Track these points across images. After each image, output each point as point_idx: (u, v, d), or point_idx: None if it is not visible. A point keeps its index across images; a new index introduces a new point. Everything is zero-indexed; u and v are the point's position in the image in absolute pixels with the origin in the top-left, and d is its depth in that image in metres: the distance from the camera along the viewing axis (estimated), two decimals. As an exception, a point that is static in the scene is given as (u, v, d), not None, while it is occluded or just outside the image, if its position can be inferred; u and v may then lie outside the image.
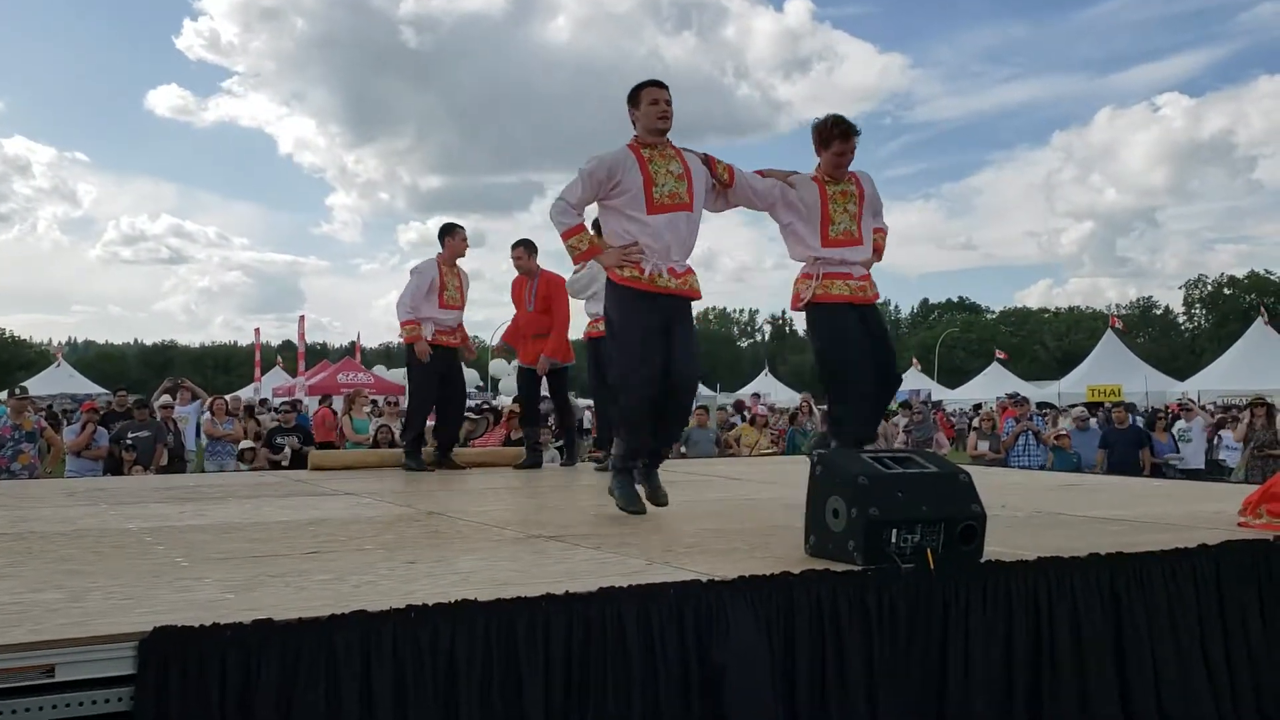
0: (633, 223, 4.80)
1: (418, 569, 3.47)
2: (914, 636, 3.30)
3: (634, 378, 4.77)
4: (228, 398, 14.44)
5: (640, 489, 4.92)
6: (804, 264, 5.44)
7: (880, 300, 5.67)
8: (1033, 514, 5.04)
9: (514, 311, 8.30)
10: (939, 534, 3.41)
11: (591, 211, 5.14)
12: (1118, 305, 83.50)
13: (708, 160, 5.07)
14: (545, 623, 2.84)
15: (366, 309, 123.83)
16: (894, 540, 3.35)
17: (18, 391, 11.02)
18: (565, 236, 4.90)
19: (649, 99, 4.90)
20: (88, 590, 3.02)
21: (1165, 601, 3.68)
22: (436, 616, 2.72)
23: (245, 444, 11.85)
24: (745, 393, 35.84)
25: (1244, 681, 3.77)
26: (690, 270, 4.97)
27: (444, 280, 7.80)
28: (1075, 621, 3.51)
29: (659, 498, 4.93)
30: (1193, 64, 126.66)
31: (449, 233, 7.95)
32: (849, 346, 5.33)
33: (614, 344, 5.03)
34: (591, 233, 4.98)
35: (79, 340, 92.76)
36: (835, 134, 5.30)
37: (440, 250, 7.94)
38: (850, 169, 5.42)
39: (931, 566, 3.33)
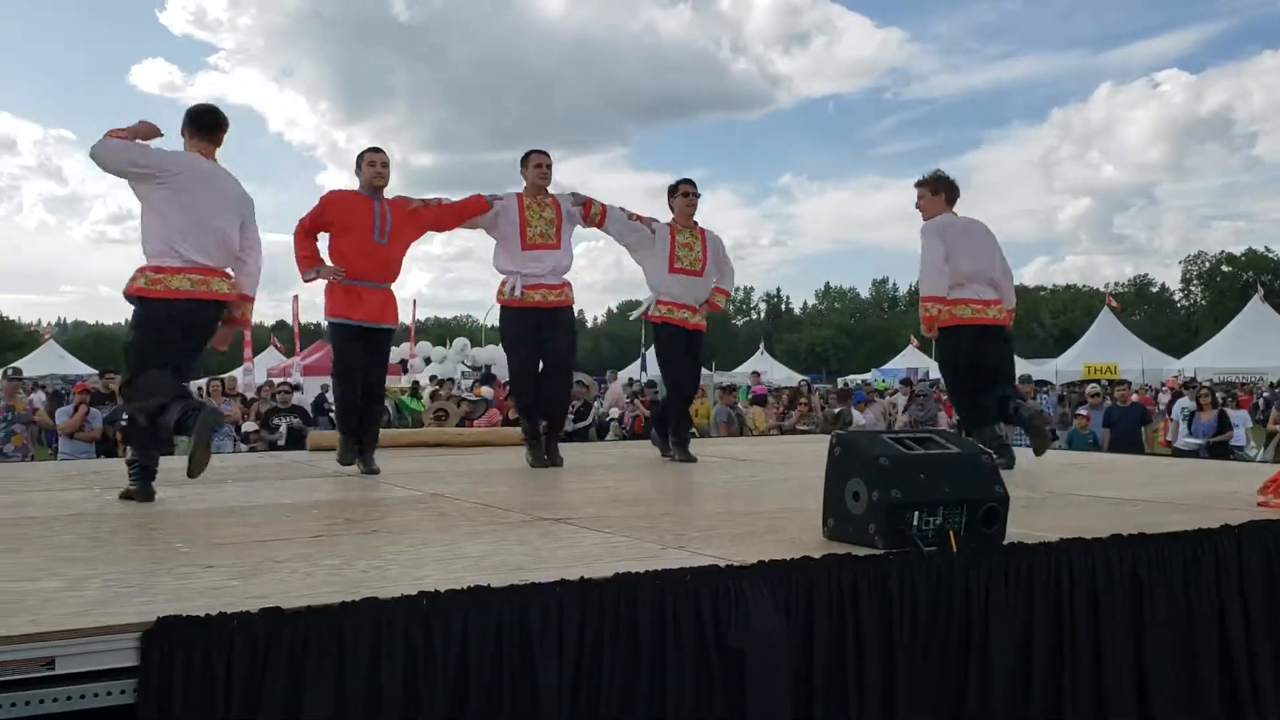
0: None
1: (426, 553, 3.38)
2: (935, 621, 3.23)
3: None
4: (224, 378, 14.34)
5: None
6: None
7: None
8: (1046, 495, 4.97)
9: None
10: (961, 516, 3.33)
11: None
12: (1118, 284, 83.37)
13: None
14: (559, 609, 2.76)
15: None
16: (916, 523, 3.27)
17: (9, 373, 10.86)
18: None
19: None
20: (87, 578, 2.93)
21: (1184, 583, 3.62)
22: (449, 603, 2.64)
23: (249, 426, 11.75)
24: (743, 371, 35.80)
25: (1266, 667, 3.71)
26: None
27: (525, 215, 6.41)
28: (1095, 604, 3.44)
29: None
30: (1193, 39, 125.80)
31: (523, 161, 6.60)
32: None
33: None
34: None
35: (68, 321, 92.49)
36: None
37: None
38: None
39: (954, 549, 3.25)
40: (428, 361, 28.39)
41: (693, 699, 2.90)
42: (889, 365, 41.34)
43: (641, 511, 4.36)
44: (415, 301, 36.91)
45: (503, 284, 6.47)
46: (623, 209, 6.81)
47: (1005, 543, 3.41)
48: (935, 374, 37.86)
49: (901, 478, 3.30)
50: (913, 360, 38.54)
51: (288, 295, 36.13)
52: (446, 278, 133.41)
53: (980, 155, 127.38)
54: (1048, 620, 3.38)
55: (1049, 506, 4.58)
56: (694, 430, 14.25)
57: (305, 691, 2.45)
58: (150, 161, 4.72)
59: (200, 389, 13.09)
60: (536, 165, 6.53)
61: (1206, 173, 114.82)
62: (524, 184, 6.56)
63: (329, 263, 5.89)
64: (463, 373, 24.99)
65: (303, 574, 3.00)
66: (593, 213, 6.67)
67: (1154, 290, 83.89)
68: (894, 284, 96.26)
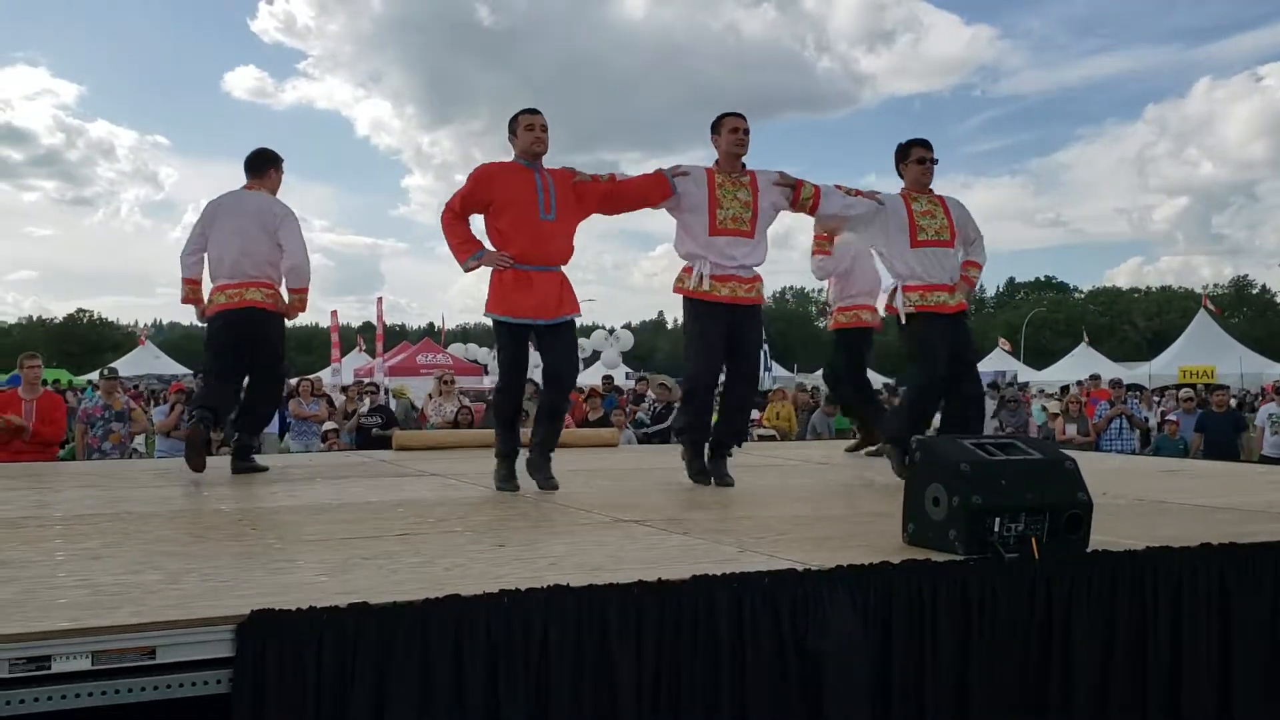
0: None
1: (507, 552, 3.45)
2: (1015, 629, 3.20)
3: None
4: (312, 378, 14.67)
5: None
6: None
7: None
8: (1135, 501, 4.87)
9: None
10: (1044, 523, 3.29)
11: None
12: (1218, 285, 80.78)
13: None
14: (637, 610, 2.80)
15: (444, 291, 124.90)
16: (997, 529, 3.24)
17: (106, 372, 11.24)
18: None
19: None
20: (185, 572, 3.05)
21: (1274, 594, 3.53)
22: (529, 602, 2.69)
23: (328, 425, 12.01)
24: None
25: None
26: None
27: (715, 194, 5.36)
28: (1182, 615, 3.37)
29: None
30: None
31: (714, 126, 5.53)
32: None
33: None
34: None
35: (164, 322, 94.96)
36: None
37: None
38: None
39: (1036, 556, 3.21)
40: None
41: (770, 702, 2.91)
42: (975, 368, 40.54)
43: (720, 514, 4.38)
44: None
45: (686, 270, 5.41)
46: (838, 186, 5.69)
47: (1089, 550, 3.37)
48: (1025, 377, 36.88)
49: (983, 483, 3.28)
50: (1000, 363, 37.80)
51: (372, 297, 36.75)
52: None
53: (1072, 153, 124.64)
54: (1132, 631, 3.32)
55: (1136, 513, 4.49)
56: (774, 434, 14.22)
57: (390, 684, 2.53)
58: (198, 227, 6.01)
59: (291, 388, 13.39)
60: (732, 130, 5.40)
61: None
62: (716, 156, 5.49)
63: (489, 246, 5.14)
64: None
65: (388, 571, 3.08)
66: (804, 197, 5.50)
67: (1254, 292, 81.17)
68: (981, 286, 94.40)
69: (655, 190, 5.38)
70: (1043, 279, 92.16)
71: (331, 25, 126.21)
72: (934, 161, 5.81)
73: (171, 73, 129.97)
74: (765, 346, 31.65)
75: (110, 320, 78.77)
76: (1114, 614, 3.31)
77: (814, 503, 4.80)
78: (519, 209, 5.03)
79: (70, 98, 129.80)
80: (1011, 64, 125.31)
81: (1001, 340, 41.84)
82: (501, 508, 4.63)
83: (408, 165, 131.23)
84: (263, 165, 6.12)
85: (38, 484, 5.52)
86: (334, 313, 28.23)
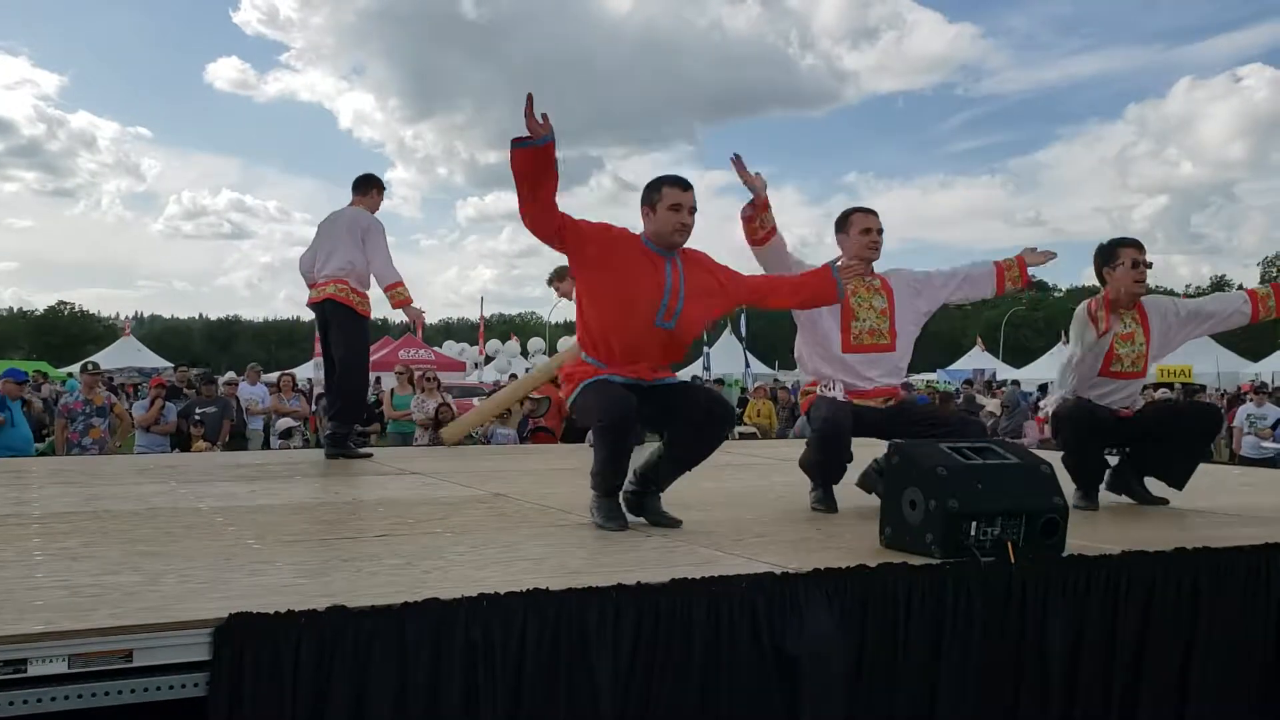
0: None
1: (487, 554, 3.45)
2: (989, 632, 3.23)
3: None
4: (294, 372, 14.64)
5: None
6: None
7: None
8: (1112, 504, 4.91)
9: None
10: (1020, 527, 3.32)
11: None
12: (1199, 287, 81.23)
13: None
14: (615, 613, 2.81)
15: (426, 285, 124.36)
16: (973, 533, 3.26)
17: (89, 367, 11.18)
18: None
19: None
20: (163, 573, 3.04)
21: (1245, 599, 3.57)
22: (508, 605, 2.70)
23: (283, 423, 11.91)
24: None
25: None
26: None
27: (848, 301, 4.62)
28: (1156, 618, 3.41)
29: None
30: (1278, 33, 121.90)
31: (840, 223, 4.74)
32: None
33: None
34: None
35: (145, 314, 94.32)
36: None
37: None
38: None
39: (1012, 560, 3.24)
40: (489, 360, 28.72)
41: (747, 703, 2.93)
42: (954, 366, 40.84)
43: (699, 516, 4.38)
44: (483, 299, 37.17)
45: (812, 384, 4.75)
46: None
47: (1065, 554, 3.40)
48: (1003, 375, 37.23)
49: (959, 487, 3.31)
50: (979, 361, 38.01)
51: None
52: (512, 274, 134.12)
53: (1052, 153, 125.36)
54: (1103, 633, 3.35)
55: (1112, 516, 4.53)
56: (755, 431, 14.23)
57: (369, 687, 2.53)
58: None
59: (274, 384, 13.35)
60: (864, 231, 4.61)
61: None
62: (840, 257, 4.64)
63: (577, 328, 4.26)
64: (527, 368, 25.25)
65: (368, 573, 3.08)
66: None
67: (1232, 291, 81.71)
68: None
69: (822, 292, 4.34)
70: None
71: (314, 18, 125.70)
72: (1148, 265, 4.80)
73: (154, 64, 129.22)
74: (744, 345, 31.69)
75: (91, 312, 78.36)
76: (1088, 617, 3.34)
77: (793, 504, 4.81)
78: (630, 305, 3.97)
79: (51, 88, 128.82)
80: (994, 63, 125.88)
81: (979, 340, 42.20)
82: (481, 508, 4.63)
83: (390, 158, 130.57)
84: (366, 185, 7.12)
85: (16, 480, 5.49)
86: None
